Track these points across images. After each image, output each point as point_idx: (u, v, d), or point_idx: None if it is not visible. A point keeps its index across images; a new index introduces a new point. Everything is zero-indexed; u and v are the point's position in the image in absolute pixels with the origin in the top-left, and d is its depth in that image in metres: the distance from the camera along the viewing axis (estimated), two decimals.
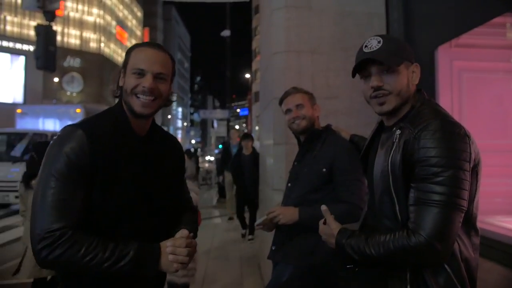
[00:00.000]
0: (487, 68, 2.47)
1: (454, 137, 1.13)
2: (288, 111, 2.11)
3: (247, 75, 43.64)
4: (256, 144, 6.55)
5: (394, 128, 1.26)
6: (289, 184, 2.15)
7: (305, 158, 2.10)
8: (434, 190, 1.10)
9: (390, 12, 2.81)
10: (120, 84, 1.27)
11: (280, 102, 2.16)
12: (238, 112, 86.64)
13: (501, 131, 2.42)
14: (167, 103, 1.33)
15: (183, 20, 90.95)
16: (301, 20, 2.88)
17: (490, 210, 2.07)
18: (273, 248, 2.10)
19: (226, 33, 20.75)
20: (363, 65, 1.29)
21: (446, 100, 2.30)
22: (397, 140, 1.21)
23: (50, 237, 1.06)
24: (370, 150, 1.46)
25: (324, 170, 1.97)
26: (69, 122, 1.31)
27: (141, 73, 1.23)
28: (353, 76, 1.34)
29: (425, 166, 1.12)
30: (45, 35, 6.70)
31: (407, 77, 1.27)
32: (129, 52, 1.28)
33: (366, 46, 1.28)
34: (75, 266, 1.08)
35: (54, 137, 1.19)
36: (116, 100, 1.32)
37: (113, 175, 1.17)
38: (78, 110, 11.81)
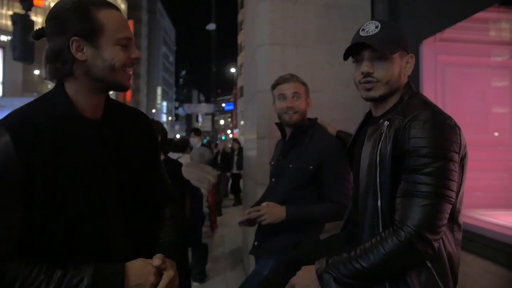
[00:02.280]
0: (470, 63, 2.49)
1: (444, 127, 1.11)
2: (281, 96, 1.98)
3: (233, 70, 43.40)
4: (241, 139, 6.33)
5: (382, 120, 1.22)
6: (273, 180, 2.10)
7: (290, 153, 2.03)
8: (423, 181, 1.07)
9: (375, 5, 2.80)
10: (81, 58, 0.98)
11: (273, 87, 2.03)
12: (223, 107, 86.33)
13: (482, 126, 2.44)
14: None
15: (168, 13, 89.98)
16: (286, 13, 2.84)
17: (471, 203, 2.08)
18: (256, 244, 2.07)
19: (211, 26, 20.51)
20: (357, 49, 1.24)
21: (430, 93, 2.31)
22: (386, 131, 1.17)
23: None
24: (356, 143, 1.43)
25: (311, 167, 1.91)
26: None
27: (127, 43, 1.02)
28: (345, 59, 1.28)
29: (415, 157, 1.09)
30: (22, 24, 6.43)
31: (400, 66, 1.24)
32: (86, 12, 0.97)
33: (363, 29, 1.23)
34: None
35: None
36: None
37: (59, 175, 0.94)
38: None
